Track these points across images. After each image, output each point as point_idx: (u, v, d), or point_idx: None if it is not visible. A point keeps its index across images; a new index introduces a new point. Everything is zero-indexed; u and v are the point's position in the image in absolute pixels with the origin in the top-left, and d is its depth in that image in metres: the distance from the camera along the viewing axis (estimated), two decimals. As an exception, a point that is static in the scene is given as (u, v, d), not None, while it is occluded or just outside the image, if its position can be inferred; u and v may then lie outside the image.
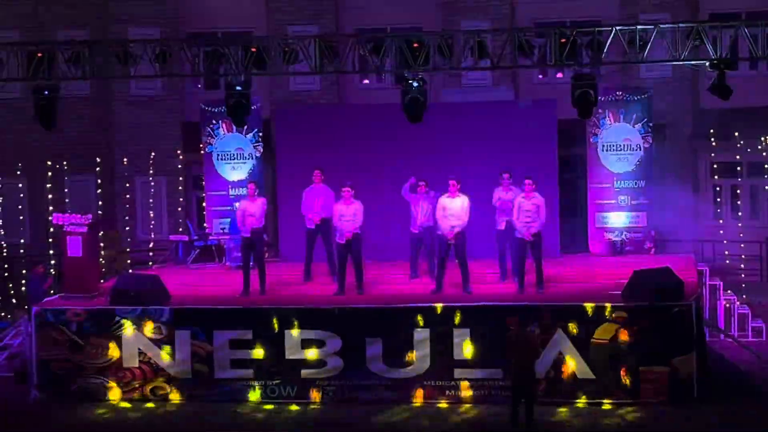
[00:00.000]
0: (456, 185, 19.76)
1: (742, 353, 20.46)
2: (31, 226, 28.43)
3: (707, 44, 19.04)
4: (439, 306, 18.44)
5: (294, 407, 18.51)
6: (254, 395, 18.78)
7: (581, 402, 18.01)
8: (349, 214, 19.88)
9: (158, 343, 18.95)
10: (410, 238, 21.09)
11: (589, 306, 18.07)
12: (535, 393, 17.01)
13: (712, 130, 26.51)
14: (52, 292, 21.69)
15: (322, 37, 20.56)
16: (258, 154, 25.44)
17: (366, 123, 23.98)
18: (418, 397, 18.45)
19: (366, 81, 25.72)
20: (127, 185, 28.26)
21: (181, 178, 28.26)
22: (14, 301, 26.13)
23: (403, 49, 19.46)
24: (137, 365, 19.04)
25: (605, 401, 17.96)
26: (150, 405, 18.84)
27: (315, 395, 18.65)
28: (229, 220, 24.57)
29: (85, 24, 28.35)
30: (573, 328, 18.03)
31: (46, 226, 26.75)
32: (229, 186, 25.40)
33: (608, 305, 18.08)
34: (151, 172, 27.92)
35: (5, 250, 27.82)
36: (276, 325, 18.66)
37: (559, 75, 22.37)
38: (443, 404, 18.33)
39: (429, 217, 20.58)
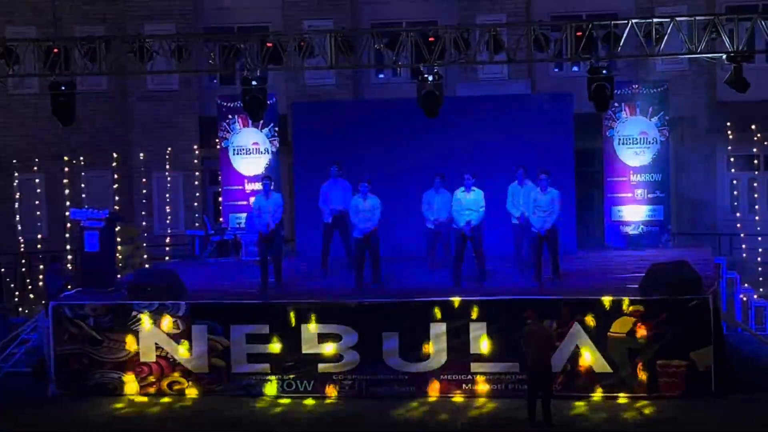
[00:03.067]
0: (471, 179, 19.75)
1: (759, 347, 20.40)
2: (49, 221, 28.51)
3: (724, 37, 19.00)
4: (455, 300, 18.43)
5: (311, 401, 18.53)
6: (271, 389, 18.81)
7: (598, 396, 17.99)
8: (366, 209, 19.89)
9: (175, 337, 19.00)
10: (425, 233, 21.08)
11: (606, 300, 18.03)
12: (552, 387, 16.98)
13: (729, 123, 26.43)
14: (69, 287, 21.76)
15: (337, 31, 20.56)
16: (274, 149, 25.48)
17: (382, 118, 23.99)
18: (435, 391, 18.45)
19: (381, 75, 25.76)
20: (144, 180, 28.31)
21: (197, 173, 28.31)
22: (32, 296, 26.23)
23: (418, 44, 19.46)
24: (154, 360, 19.09)
25: (622, 395, 17.94)
26: (167, 399, 18.89)
27: (332, 389, 18.67)
28: (245, 214, 24.61)
29: (102, 20, 28.41)
30: (590, 321, 18.00)
31: (63, 221, 26.85)
32: (246, 180, 25.45)
33: (625, 299, 18.04)
34: (167, 167, 27.97)
35: (23, 245, 27.93)
36: (293, 320, 18.68)
37: (576, 69, 22.33)
38: (460, 398, 18.33)
39: (443, 212, 20.57)
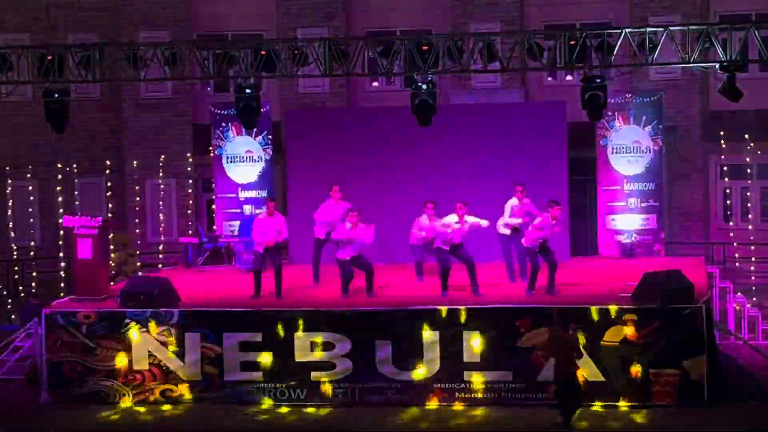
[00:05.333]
0: (463, 209, 19.56)
1: (752, 356, 20.42)
2: (42, 228, 28.48)
3: (717, 46, 19.03)
4: (448, 308, 18.42)
5: (303, 409, 18.50)
6: (264, 398, 18.78)
7: (591, 405, 17.97)
8: (353, 237, 19.60)
9: (168, 345, 18.97)
10: (413, 246, 20.98)
11: (599, 308, 18.04)
12: (577, 394, 16.89)
13: (722, 132, 26.48)
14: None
15: (331, 39, 20.57)
16: (267, 157, 25.48)
17: (375, 126, 24.00)
18: (428, 400, 18.44)
19: (375, 83, 25.72)
20: (137, 187, 28.31)
21: (190, 181, 28.32)
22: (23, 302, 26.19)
23: (412, 52, 19.46)
24: (147, 367, 19.05)
25: (615, 404, 17.93)
26: (160, 407, 18.85)
27: (324, 397, 18.64)
28: (238, 222, 24.60)
29: (96, 27, 28.42)
30: (583, 330, 17.98)
31: (56, 228, 26.81)
32: (239, 188, 25.43)
33: (618, 308, 18.05)
34: (161, 174, 27.98)
35: (16, 252, 27.88)
36: (286, 328, 18.66)
37: (569, 77, 22.35)
38: (453, 406, 18.32)
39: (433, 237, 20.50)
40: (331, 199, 21.34)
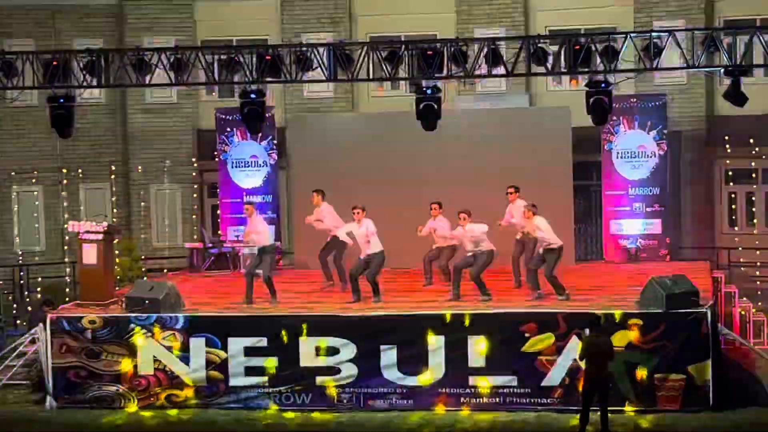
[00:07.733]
0: (466, 218, 19.52)
1: (757, 360, 20.37)
2: (47, 233, 28.52)
3: (722, 51, 19.03)
4: (453, 313, 18.42)
5: (308, 414, 18.48)
6: (269, 403, 18.77)
7: (596, 409, 17.95)
8: (361, 234, 19.68)
9: (173, 350, 18.97)
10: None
11: (604, 313, 18.01)
12: (608, 397, 16.87)
13: (727, 137, 26.46)
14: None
15: (336, 44, 20.59)
16: (272, 162, 25.52)
17: (380, 131, 24.01)
18: (433, 405, 18.42)
19: (380, 88, 25.77)
20: (142, 193, 28.34)
21: (195, 186, 28.34)
22: (29, 309, 26.19)
23: (417, 57, 19.48)
24: (152, 372, 19.04)
25: (621, 408, 17.88)
26: (165, 412, 18.84)
27: (329, 402, 18.62)
28: (243, 227, 24.62)
29: (101, 33, 28.46)
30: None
31: (61, 233, 26.84)
32: (244, 193, 25.48)
33: (623, 312, 18.03)
34: (165, 179, 28.01)
35: (21, 258, 27.91)
36: (291, 333, 18.65)
37: (573, 82, 22.36)
38: (458, 411, 18.29)
39: (442, 239, 20.47)
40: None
